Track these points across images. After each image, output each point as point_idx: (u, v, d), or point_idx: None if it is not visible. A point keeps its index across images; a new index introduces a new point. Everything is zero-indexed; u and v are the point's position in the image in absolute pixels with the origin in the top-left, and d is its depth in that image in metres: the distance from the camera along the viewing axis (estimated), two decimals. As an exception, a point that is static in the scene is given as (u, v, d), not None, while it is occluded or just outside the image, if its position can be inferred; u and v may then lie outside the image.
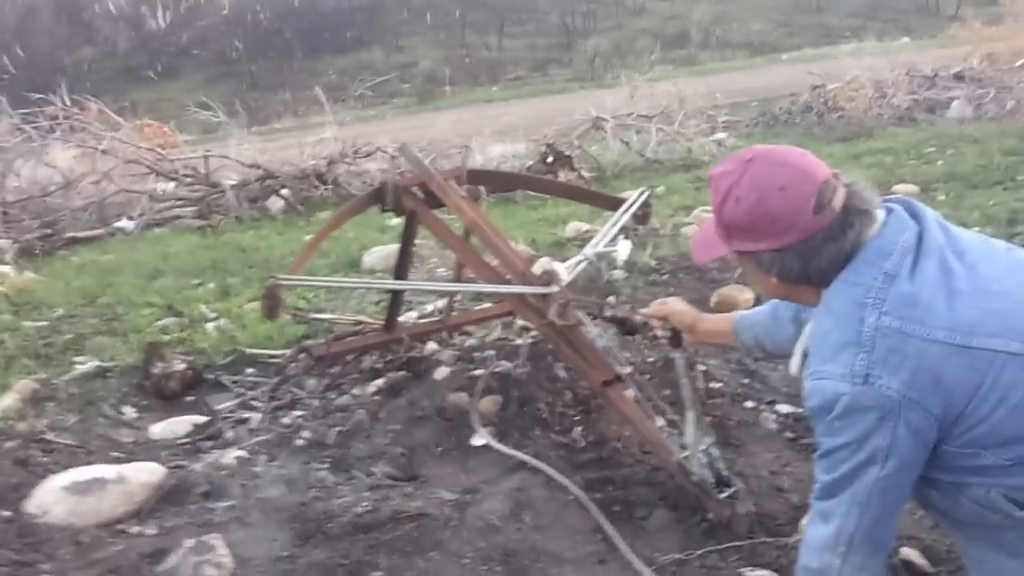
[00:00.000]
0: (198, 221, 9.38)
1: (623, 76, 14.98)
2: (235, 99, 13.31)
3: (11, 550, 3.72)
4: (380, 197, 4.74)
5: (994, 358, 2.05)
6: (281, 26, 28.41)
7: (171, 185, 10.19)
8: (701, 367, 4.66)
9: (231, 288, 6.78)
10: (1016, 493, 2.14)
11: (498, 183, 5.94)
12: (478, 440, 4.18)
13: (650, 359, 4.79)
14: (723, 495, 3.44)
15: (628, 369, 4.14)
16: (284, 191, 9.46)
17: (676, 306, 3.27)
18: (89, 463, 4.33)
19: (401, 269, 4.94)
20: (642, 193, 4.79)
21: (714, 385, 4.60)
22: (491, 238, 4.43)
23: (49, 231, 9.28)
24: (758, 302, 5.44)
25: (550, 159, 9.51)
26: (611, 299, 5.49)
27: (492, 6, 32.64)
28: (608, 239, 4.52)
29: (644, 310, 3.42)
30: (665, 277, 6.24)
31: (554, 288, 4.08)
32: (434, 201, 4.67)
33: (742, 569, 3.25)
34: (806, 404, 2.21)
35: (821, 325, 2.20)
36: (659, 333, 3.36)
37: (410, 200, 4.65)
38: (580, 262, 4.37)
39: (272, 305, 4.20)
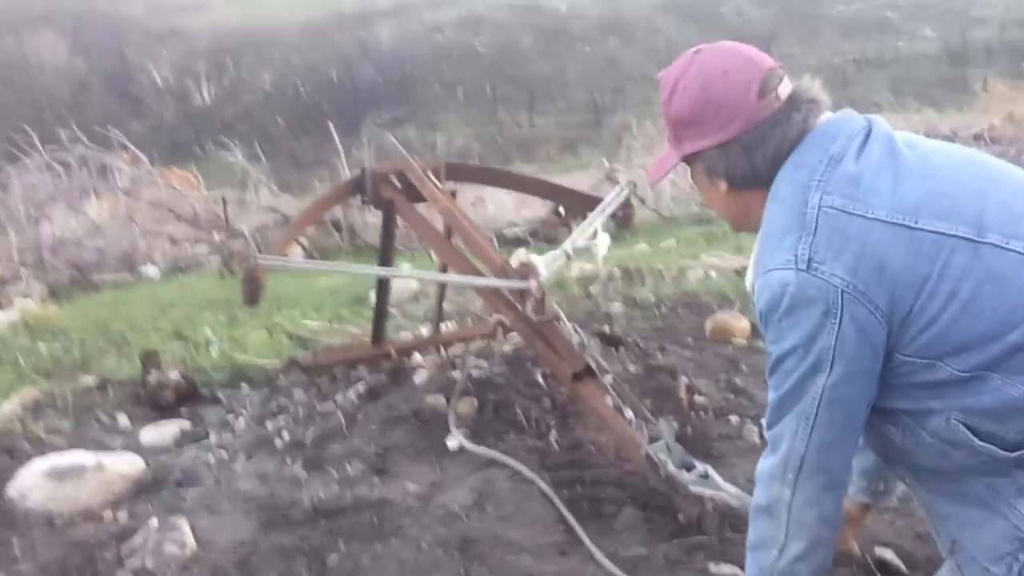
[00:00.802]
0: (220, 267, 9.55)
1: (647, 145, 15.14)
2: (275, 175, 13.51)
3: (-14, 529, 3.85)
4: (359, 186, 4.78)
5: (942, 242, 1.91)
6: (320, 100, 29.07)
7: (192, 231, 10.43)
8: (684, 379, 4.66)
9: (238, 319, 6.90)
10: (974, 419, 1.97)
11: (476, 177, 5.97)
12: (451, 441, 4.20)
13: (631, 368, 4.81)
14: (691, 472, 3.39)
15: (608, 377, 4.14)
16: (301, 238, 9.64)
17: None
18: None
19: (383, 261, 5.00)
20: (620, 191, 4.75)
21: (698, 399, 4.57)
22: (469, 230, 4.47)
23: (77, 274, 9.49)
24: (753, 330, 5.47)
25: (561, 210, 9.63)
26: (606, 327, 5.60)
27: (522, 81, 33.19)
28: (587, 235, 4.49)
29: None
30: (663, 311, 6.27)
31: (532, 283, 4.09)
32: (414, 195, 4.72)
33: (708, 563, 3.21)
34: (757, 309, 2.07)
35: (768, 216, 2.08)
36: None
37: (388, 189, 4.70)
38: (558, 257, 4.36)
39: (252, 288, 4.20)
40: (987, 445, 1.98)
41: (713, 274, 7.13)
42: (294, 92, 32.68)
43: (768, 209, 2.07)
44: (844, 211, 1.93)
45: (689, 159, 2.16)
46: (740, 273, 6.45)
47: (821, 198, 1.95)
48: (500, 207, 11.36)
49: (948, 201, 1.94)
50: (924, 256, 1.90)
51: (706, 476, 3.37)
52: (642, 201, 11.22)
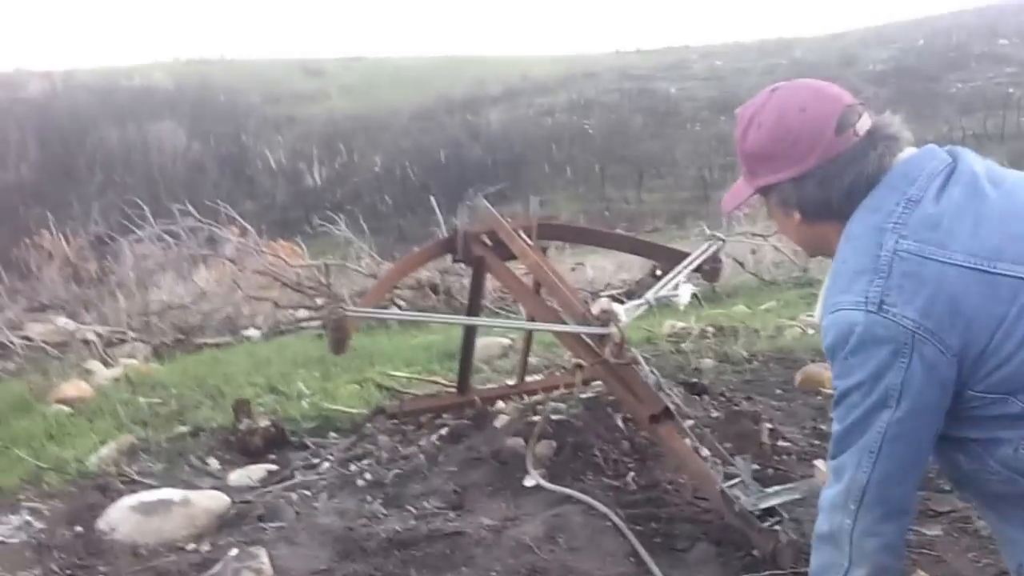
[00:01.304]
0: (319, 329, 9.74)
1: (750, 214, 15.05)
2: (379, 247, 13.80)
3: (76, 557, 4.02)
4: (451, 245, 4.91)
5: (1019, 286, 1.91)
6: (428, 181, 29.67)
7: (295, 296, 10.70)
8: (768, 425, 4.60)
9: (332, 374, 7.01)
10: None
11: (567, 235, 6.06)
12: (529, 481, 4.21)
13: (713, 415, 4.77)
14: (767, 524, 3.37)
15: (690, 422, 4.15)
16: (400, 300, 9.79)
17: None
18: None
19: (470, 313, 5.08)
20: (710, 246, 4.80)
21: (781, 443, 4.53)
22: (552, 281, 4.55)
23: (182, 337, 9.79)
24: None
25: (658, 272, 9.57)
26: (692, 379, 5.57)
27: (631, 160, 33.45)
28: (671, 286, 4.53)
29: None
30: (754, 365, 6.20)
31: (612, 329, 4.13)
32: (504, 252, 4.81)
33: (781, 598, 3.16)
34: (824, 345, 2.09)
35: (840, 254, 2.08)
36: None
37: (479, 247, 4.81)
38: (640, 305, 4.39)
39: (339, 338, 4.26)
40: None
41: (810, 331, 7.01)
42: (402, 173, 33.52)
43: (841, 247, 2.07)
44: (920, 255, 1.94)
45: (764, 190, 2.18)
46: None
47: (896, 241, 1.96)
48: (599, 271, 11.45)
49: None
50: (1000, 299, 1.91)
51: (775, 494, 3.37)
52: (741, 265, 11.17)
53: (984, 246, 1.92)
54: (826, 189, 2.07)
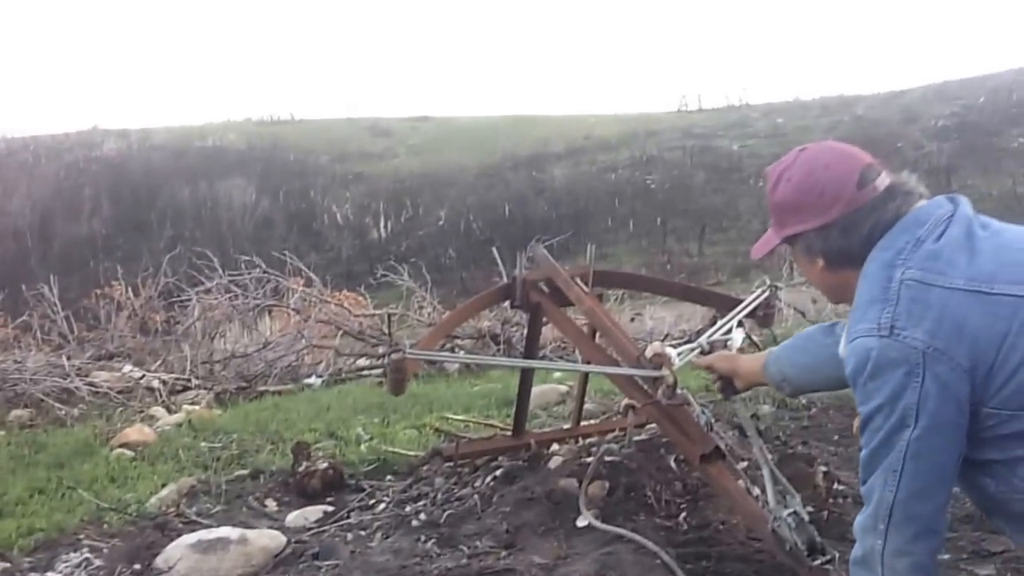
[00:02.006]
0: (380, 377, 9.81)
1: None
2: (441, 297, 13.95)
3: (133, 594, 4.06)
4: (509, 292, 4.97)
5: (1017, 304, 2.08)
6: (492, 234, 29.86)
7: (357, 344, 10.81)
8: (823, 467, 4.56)
9: (391, 420, 7.07)
10: None
11: (623, 282, 6.12)
12: (581, 521, 4.21)
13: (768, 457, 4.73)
14: (817, 563, 3.36)
15: (743, 464, 4.15)
16: (460, 351, 9.84)
17: (714, 358, 3.40)
18: (219, 528, 4.63)
19: (527, 357, 5.13)
20: (764, 291, 4.81)
21: (837, 486, 4.49)
22: (607, 325, 4.58)
23: (245, 384, 9.92)
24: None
25: (718, 321, 9.53)
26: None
27: (693, 214, 33.41)
28: (724, 331, 4.55)
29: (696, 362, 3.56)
30: (812, 412, 6.15)
31: (664, 372, 4.16)
32: (561, 299, 4.87)
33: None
34: (846, 373, 2.25)
35: (858, 291, 2.26)
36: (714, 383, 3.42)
37: (536, 293, 4.87)
38: (693, 349, 4.41)
39: (399, 379, 4.27)
40: None
41: (870, 379, 6.94)
42: (466, 227, 33.76)
43: (859, 285, 2.27)
44: (924, 282, 2.14)
45: (790, 239, 2.40)
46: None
47: (903, 273, 2.16)
48: (658, 322, 11.45)
49: (1020, 269, 2.13)
50: (1001, 316, 2.08)
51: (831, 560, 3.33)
52: (803, 314, 11.07)
53: (981, 271, 2.12)
54: (848, 238, 2.28)
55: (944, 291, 2.11)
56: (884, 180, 2.28)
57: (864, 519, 2.28)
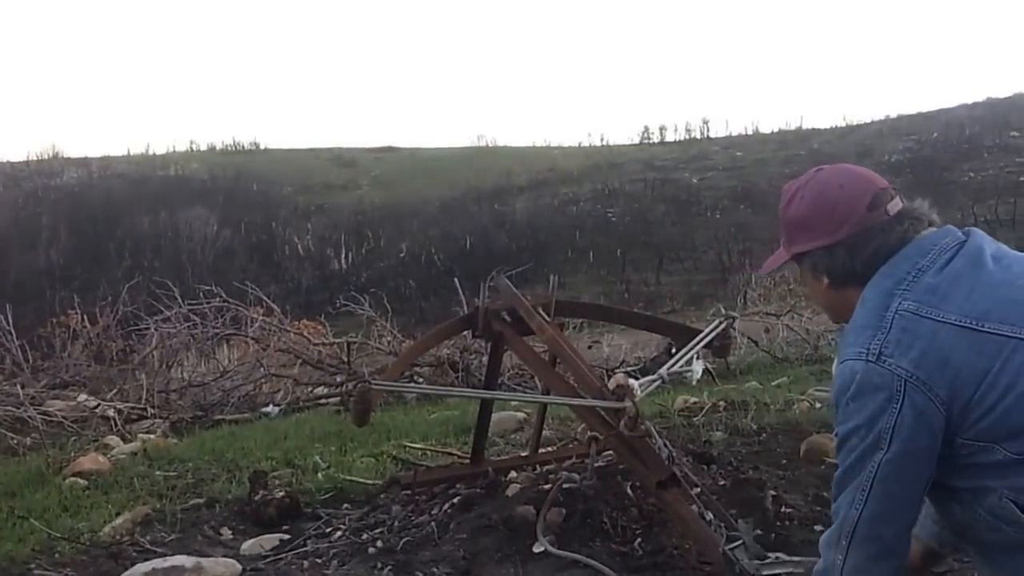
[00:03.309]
0: (338, 405, 9.80)
1: (764, 294, 15.16)
2: (401, 327, 13.95)
3: (84, 624, 4.00)
4: (472, 321, 5.01)
5: (1004, 343, 2.11)
6: (453, 266, 29.96)
7: (315, 373, 10.78)
8: (772, 492, 4.62)
9: (349, 448, 7.05)
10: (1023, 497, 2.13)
11: (584, 312, 6.17)
12: (538, 547, 4.23)
13: (720, 482, 4.79)
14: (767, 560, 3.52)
15: (696, 489, 4.19)
16: (419, 378, 9.83)
17: None
18: (172, 557, 4.58)
19: (487, 387, 5.15)
20: (721, 323, 4.88)
21: (785, 509, 4.55)
22: (569, 355, 4.62)
23: (201, 413, 9.86)
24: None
25: (674, 350, 9.61)
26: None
27: (652, 246, 33.84)
28: (683, 362, 4.61)
29: None
30: (763, 437, 6.20)
31: (627, 403, 4.20)
32: (522, 328, 4.89)
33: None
34: (831, 393, 2.32)
35: (854, 316, 2.31)
36: None
37: (498, 323, 4.90)
38: (654, 381, 4.48)
39: (363, 410, 4.30)
40: None
41: (818, 405, 7.05)
42: (427, 258, 33.91)
43: (856, 309, 2.30)
44: (917, 314, 2.17)
45: (798, 257, 2.44)
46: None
47: (900, 303, 2.19)
48: (615, 349, 11.56)
49: (1017, 308, 2.15)
50: (985, 354, 2.12)
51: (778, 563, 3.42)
52: (755, 343, 11.21)
53: (975, 308, 2.15)
54: (853, 257, 2.32)
55: (935, 324, 2.15)
56: (896, 205, 2.32)
57: (829, 534, 2.34)
